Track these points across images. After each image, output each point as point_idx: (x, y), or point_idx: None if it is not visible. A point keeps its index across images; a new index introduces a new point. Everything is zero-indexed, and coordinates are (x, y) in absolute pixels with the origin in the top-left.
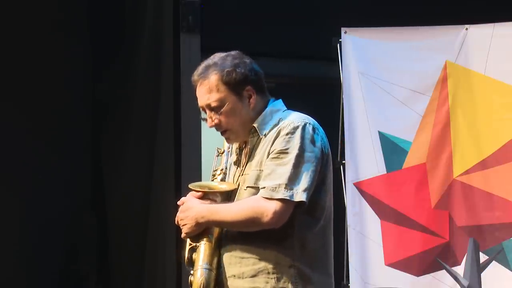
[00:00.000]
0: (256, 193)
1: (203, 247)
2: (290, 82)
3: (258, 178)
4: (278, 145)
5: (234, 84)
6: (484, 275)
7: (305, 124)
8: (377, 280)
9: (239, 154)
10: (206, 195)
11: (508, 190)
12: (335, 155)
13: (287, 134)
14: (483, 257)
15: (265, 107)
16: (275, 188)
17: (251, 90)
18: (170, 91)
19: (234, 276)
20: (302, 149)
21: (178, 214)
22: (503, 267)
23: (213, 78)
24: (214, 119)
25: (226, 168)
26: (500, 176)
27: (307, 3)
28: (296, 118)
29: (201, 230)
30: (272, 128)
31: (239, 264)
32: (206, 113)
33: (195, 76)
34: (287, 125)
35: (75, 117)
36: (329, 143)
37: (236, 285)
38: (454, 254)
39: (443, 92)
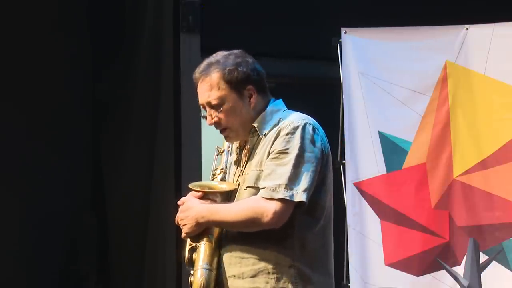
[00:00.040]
0: (256, 193)
1: (203, 247)
2: (290, 82)
3: (258, 178)
4: (278, 145)
5: (236, 83)
6: (484, 275)
7: (305, 124)
8: (377, 280)
9: (239, 153)
10: (206, 195)
11: (508, 190)
12: (335, 155)
13: (287, 134)
14: (483, 257)
15: (266, 107)
16: (275, 188)
17: (252, 89)
18: (170, 91)
19: (234, 276)
20: (302, 149)
21: (178, 214)
22: (503, 267)
23: (215, 76)
24: (214, 117)
25: (226, 167)
26: (500, 176)
27: (307, 3)
28: (296, 118)
29: (201, 230)
30: (272, 128)
31: (239, 264)
32: (206, 110)
33: (197, 73)
34: (287, 125)
35: (75, 117)
36: (329, 143)
37: (236, 285)
38: (454, 254)
39: (443, 92)
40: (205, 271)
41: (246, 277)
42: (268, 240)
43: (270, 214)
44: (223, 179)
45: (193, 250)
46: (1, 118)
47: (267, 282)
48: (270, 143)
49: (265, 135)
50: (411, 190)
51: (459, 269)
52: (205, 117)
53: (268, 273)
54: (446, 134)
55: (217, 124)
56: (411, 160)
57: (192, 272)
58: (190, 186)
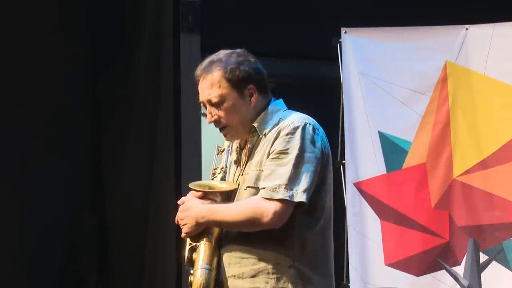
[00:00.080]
0: (256, 193)
1: (203, 247)
2: (290, 82)
3: (258, 178)
4: (278, 146)
5: (237, 82)
6: (484, 275)
7: (305, 125)
8: (377, 280)
9: (239, 153)
10: (206, 195)
11: (508, 190)
12: (335, 155)
13: (287, 134)
14: (483, 257)
15: (266, 106)
16: (275, 188)
17: (253, 88)
18: (170, 91)
19: (234, 276)
20: (302, 150)
21: (178, 213)
22: (503, 267)
23: (216, 73)
24: (214, 114)
25: (226, 166)
26: (500, 176)
27: (307, 3)
28: (296, 118)
29: (201, 230)
30: (272, 128)
31: (239, 264)
32: (206, 108)
33: (199, 70)
34: (287, 126)
35: (75, 117)
36: (329, 143)
37: (236, 285)
38: (454, 254)
39: (443, 92)
40: (205, 271)
41: (246, 277)
42: (268, 240)
43: (270, 214)
44: (223, 179)
45: (193, 250)
46: (1, 118)
47: (267, 282)
48: (270, 143)
49: (265, 135)
50: (411, 190)
51: (459, 269)
52: (205, 115)
53: (268, 273)
54: (446, 134)
55: (216, 122)
56: (411, 160)
57: (192, 272)
58: (190, 185)
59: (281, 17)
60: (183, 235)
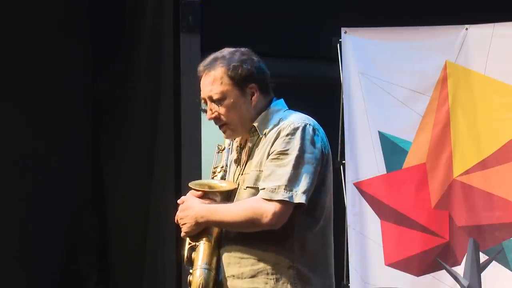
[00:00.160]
0: (255, 194)
1: (203, 246)
2: (290, 82)
3: (257, 179)
4: (278, 146)
5: (239, 79)
6: (484, 275)
7: (305, 125)
8: (377, 280)
9: (239, 152)
10: (206, 195)
11: (508, 190)
12: (335, 155)
13: (287, 135)
14: (483, 257)
15: (267, 106)
16: (275, 189)
17: (254, 87)
18: (170, 91)
19: (233, 276)
20: (302, 151)
21: (177, 213)
22: (503, 267)
23: (219, 70)
24: (214, 111)
25: (226, 165)
26: (500, 176)
27: (307, 3)
28: (297, 119)
29: (201, 229)
30: (272, 128)
31: (238, 265)
32: (206, 104)
33: (201, 66)
34: (287, 126)
35: (75, 117)
36: (329, 143)
37: (235, 285)
38: (454, 254)
39: (443, 92)
40: (204, 271)
41: (245, 277)
42: (268, 241)
43: (269, 215)
44: (223, 178)
45: (193, 249)
46: (1, 118)
47: (266, 283)
48: (270, 144)
49: (265, 134)
50: (411, 190)
51: (459, 269)
52: (205, 111)
53: (267, 273)
54: (446, 134)
55: (216, 119)
56: (411, 160)
57: (191, 271)
58: (190, 185)
59: (281, 17)
60: (182, 234)
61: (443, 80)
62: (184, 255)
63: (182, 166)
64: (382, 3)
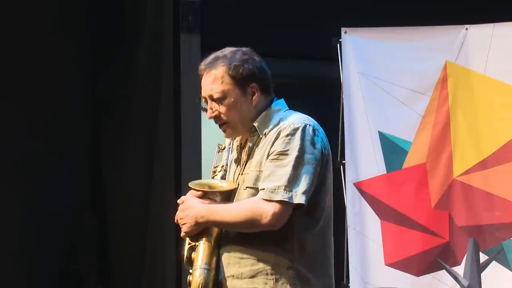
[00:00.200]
0: (255, 194)
1: (202, 246)
2: (290, 82)
3: (257, 179)
4: (278, 147)
5: (240, 79)
6: (484, 275)
7: (305, 126)
8: (377, 280)
9: (239, 152)
10: (206, 195)
11: (508, 190)
12: (335, 155)
13: (287, 135)
14: (483, 257)
15: (268, 106)
16: (274, 189)
17: (255, 87)
18: (170, 91)
19: (233, 276)
20: (302, 151)
21: (177, 213)
22: (503, 267)
23: (220, 69)
24: (214, 110)
25: (226, 165)
26: (500, 176)
27: (307, 3)
28: (297, 119)
29: (201, 229)
30: (273, 128)
31: (238, 265)
32: (207, 103)
33: (202, 65)
34: (287, 126)
35: (75, 117)
36: (329, 143)
37: (235, 285)
38: (454, 254)
39: (443, 92)
40: (204, 271)
41: (244, 278)
42: (267, 241)
43: (269, 216)
44: (223, 177)
45: (192, 249)
46: (1, 118)
47: (266, 283)
48: (270, 144)
49: (265, 134)
50: (411, 190)
51: (459, 269)
52: (205, 110)
53: (267, 274)
54: (446, 134)
55: (216, 118)
56: (411, 160)
57: (190, 271)
58: (190, 184)
59: (281, 17)
60: (182, 234)
61: (443, 80)
62: (184, 255)
63: (182, 166)
64: (382, 3)
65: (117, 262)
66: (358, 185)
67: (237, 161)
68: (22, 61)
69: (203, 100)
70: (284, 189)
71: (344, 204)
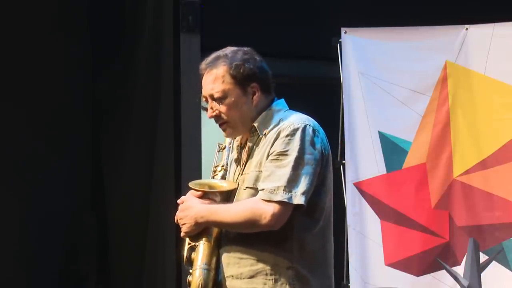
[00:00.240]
0: (255, 194)
1: (202, 247)
2: (290, 82)
3: (257, 179)
4: (278, 147)
5: (241, 78)
6: (484, 275)
7: (305, 126)
8: (377, 280)
9: (240, 152)
10: (206, 195)
11: (508, 190)
12: (335, 155)
13: (287, 136)
14: (483, 257)
15: (268, 106)
16: (274, 190)
17: (256, 87)
18: (170, 91)
19: (232, 276)
20: (301, 152)
21: (177, 213)
22: (503, 267)
23: (221, 69)
24: (215, 109)
25: (227, 164)
26: (500, 176)
27: (307, 3)
28: (297, 119)
29: (200, 229)
30: (273, 128)
31: (238, 265)
32: (207, 103)
33: (203, 64)
34: (287, 127)
35: (75, 117)
36: (329, 143)
37: (234, 285)
38: (454, 254)
39: (443, 92)
40: (204, 271)
41: (244, 278)
42: (267, 242)
43: (268, 216)
44: (223, 177)
45: (192, 249)
46: (1, 118)
47: (265, 283)
48: (270, 144)
49: (265, 134)
50: (411, 190)
51: (459, 269)
52: (206, 109)
53: (266, 274)
54: (446, 134)
55: (217, 118)
56: (411, 160)
57: (190, 271)
58: (190, 184)
59: (281, 17)
60: (182, 234)
61: (443, 80)
62: (183, 255)
63: (182, 166)
64: (382, 3)
65: (117, 262)
66: (358, 185)
67: (237, 161)
68: (22, 61)
69: (204, 99)
70: (283, 190)
71: (344, 204)
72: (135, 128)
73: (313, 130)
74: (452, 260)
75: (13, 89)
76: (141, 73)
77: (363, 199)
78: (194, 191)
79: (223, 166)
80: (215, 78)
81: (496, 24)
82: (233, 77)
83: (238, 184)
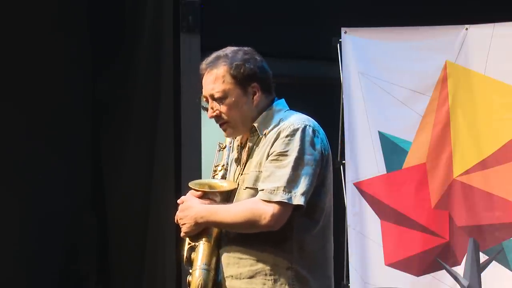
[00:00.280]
0: (254, 194)
1: (202, 247)
2: (290, 82)
3: (257, 179)
4: (278, 147)
5: (241, 78)
6: (484, 275)
7: (305, 127)
8: (377, 280)
9: (240, 151)
10: (206, 195)
11: (508, 190)
12: (335, 155)
13: (286, 136)
14: (483, 257)
15: (268, 106)
16: (274, 190)
17: (256, 87)
18: (170, 91)
19: (232, 276)
20: (301, 152)
21: (177, 213)
22: (503, 267)
23: (221, 68)
24: (215, 109)
25: (227, 164)
26: (500, 176)
27: (307, 3)
28: (297, 120)
29: (200, 230)
30: (273, 128)
31: (237, 265)
32: (208, 103)
33: (204, 64)
34: (287, 127)
35: (75, 117)
36: (329, 143)
37: (234, 285)
38: (454, 254)
39: (443, 92)
40: (203, 271)
41: (243, 278)
42: (267, 242)
43: (268, 217)
44: (224, 176)
45: (192, 249)
46: (1, 118)
47: (264, 284)
48: (270, 144)
49: (265, 135)
50: (411, 190)
51: (459, 269)
52: (206, 109)
53: (266, 274)
54: (446, 134)
55: (217, 118)
56: (411, 160)
57: (190, 271)
58: (190, 184)
59: (281, 17)
60: (182, 234)
61: (443, 80)
62: (183, 255)
63: (182, 166)
64: (382, 3)
65: (117, 262)
66: (358, 185)
67: (237, 160)
68: (22, 61)
69: (204, 99)
70: (283, 190)
71: (344, 204)
72: (135, 128)
73: (313, 131)
74: (452, 260)
75: (13, 89)
76: (141, 73)
77: (363, 199)
78: (194, 191)
79: (223, 165)
80: (215, 78)
81: (496, 24)
82: (234, 77)
83: (238, 184)
